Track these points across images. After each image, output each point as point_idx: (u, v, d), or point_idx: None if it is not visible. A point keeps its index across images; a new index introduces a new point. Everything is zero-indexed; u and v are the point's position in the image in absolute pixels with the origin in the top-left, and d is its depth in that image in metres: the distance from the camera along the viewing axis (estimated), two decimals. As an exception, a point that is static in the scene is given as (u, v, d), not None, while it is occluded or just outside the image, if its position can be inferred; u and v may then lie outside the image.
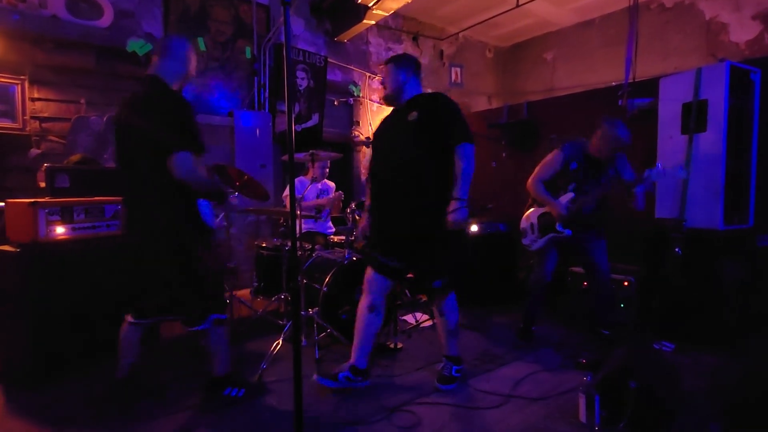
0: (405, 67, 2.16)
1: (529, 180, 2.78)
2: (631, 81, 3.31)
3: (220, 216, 2.14)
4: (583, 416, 1.82)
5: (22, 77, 3.12)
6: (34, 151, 3.24)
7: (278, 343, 2.45)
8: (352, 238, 2.83)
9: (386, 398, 2.10)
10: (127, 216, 2.00)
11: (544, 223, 2.73)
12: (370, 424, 1.89)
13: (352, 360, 2.18)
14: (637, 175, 2.48)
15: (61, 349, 2.27)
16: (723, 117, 2.65)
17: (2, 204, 2.53)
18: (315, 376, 2.15)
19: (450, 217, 2.01)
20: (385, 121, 2.30)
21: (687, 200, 2.79)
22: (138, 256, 1.97)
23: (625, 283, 3.01)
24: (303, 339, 2.65)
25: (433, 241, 2.09)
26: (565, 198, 2.64)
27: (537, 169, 2.78)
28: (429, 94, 2.26)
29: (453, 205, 2.02)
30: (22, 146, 3.20)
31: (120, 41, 3.48)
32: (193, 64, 2.01)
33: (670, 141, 2.90)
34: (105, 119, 3.50)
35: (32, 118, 3.21)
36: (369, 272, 2.21)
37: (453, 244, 2.15)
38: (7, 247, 2.22)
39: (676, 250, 2.72)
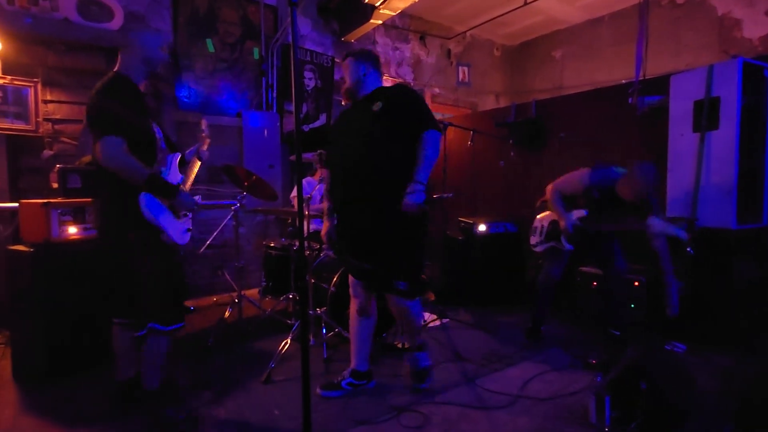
0: (364, 61, 2.12)
1: (550, 186, 2.72)
2: (641, 78, 3.27)
3: (186, 218, 1.95)
4: (593, 417, 1.80)
5: (35, 80, 3.17)
6: (47, 153, 3.29)
7: (287, 343, 2.46)
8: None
9: (394, 398, 2.10)
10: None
11: (552, 230, 2.73)
12: (377, 424, 1.89)
13: (352, 365, 2.19)
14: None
15: (73, 347, 2.30)
16: (736, 114, 2.60)
17: (16, 205, 2.58)
18: (318, 391, 2.13)
19: (407, 199, 1.88)
20: (345, 115, 2.22)
21: (699, 199, 2.75)
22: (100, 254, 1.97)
23: (636, 283, 2.97)
24: (311, 338, 2.67)
25: (397, 236, 2.00)
26: (577, 213, 2.59)
27: (561, 179, 2.70)
28: (391, 85, 2.24)
29: (411, 186, 1.90)
30: (35, 148, 3.25)
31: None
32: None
33: (682, 139, 2.86)
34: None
35: (45, 120, 3.26)
36: (350, 276, 2.20)
37: (417, 241, 2.06)
38: (21, 247, 2.26)
39: (688, 249, 2.68)
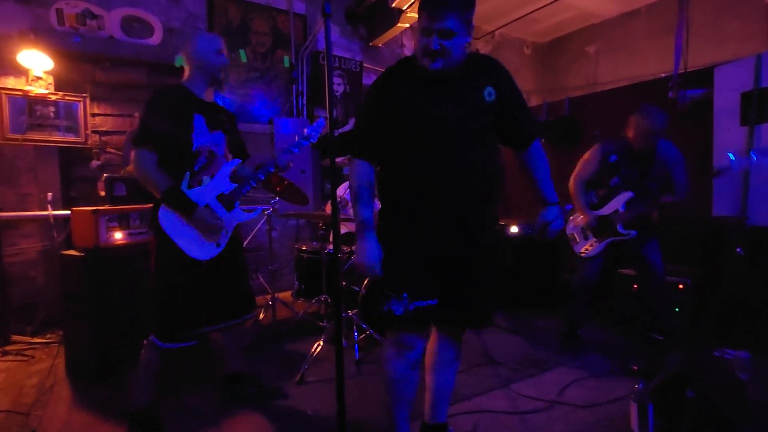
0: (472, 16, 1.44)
1: (571, 180, 2.68)
2: (682, 71, 3.12)
3: (222, 234, 1.87)
4: (635, 426, 1.73)
5: (84, 95, 3.37)
6: (95, 163, 3.50)
7: (319, 344, 2.50)
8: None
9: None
10: None
11: (601, 225, 2.59)
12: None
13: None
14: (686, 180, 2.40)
15: (121, 347, 2.41)
16: (789, 105, 2.45)
17: (69, 212, 2.75)
18: None
19: (553, 225, 1.52)
20: (426, 87, 1.42)
21: (749, 196, 2.59)
22: None
23: (681, 286, 2.83)
24: (343, 340, 2.69)
25: (496, 259, 1.59)
26: (622, 197, 2.52)
27: (577, 167, 2.68)
28: (488, 57, 1.57)
29: (552, 210, 1.54)
30: (84, 158, 3.47)
31: (169, 57, 3.69)
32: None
33: (728, 134, 2.71)
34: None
35: (93, 132, 3.47)
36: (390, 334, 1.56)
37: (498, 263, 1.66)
38: (73, 252, 2.41)
39: (738, 250, 2.53)
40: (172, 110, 1.80)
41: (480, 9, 5.96)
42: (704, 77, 2.92)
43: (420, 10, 1.37)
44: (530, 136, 1.59)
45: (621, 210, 2.53)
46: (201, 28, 3.98)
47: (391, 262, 1.46)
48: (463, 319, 1.57)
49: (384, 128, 1.44)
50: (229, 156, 2.04)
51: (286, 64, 4.44)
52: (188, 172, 1.81)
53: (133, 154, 1.77)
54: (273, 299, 3.16)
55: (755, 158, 2.27)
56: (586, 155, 2.67)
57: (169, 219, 1.76)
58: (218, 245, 1.87)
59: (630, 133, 2.52)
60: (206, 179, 1.87)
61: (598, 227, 2.61)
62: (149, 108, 1.77)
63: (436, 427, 1.66)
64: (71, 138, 3.34)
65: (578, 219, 2.75)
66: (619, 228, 2.53)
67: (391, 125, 1.43)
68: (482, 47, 5.95)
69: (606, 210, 2.60)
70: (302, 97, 4.54)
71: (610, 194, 2.59)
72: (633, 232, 2.52)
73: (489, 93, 1.45)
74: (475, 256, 1.50)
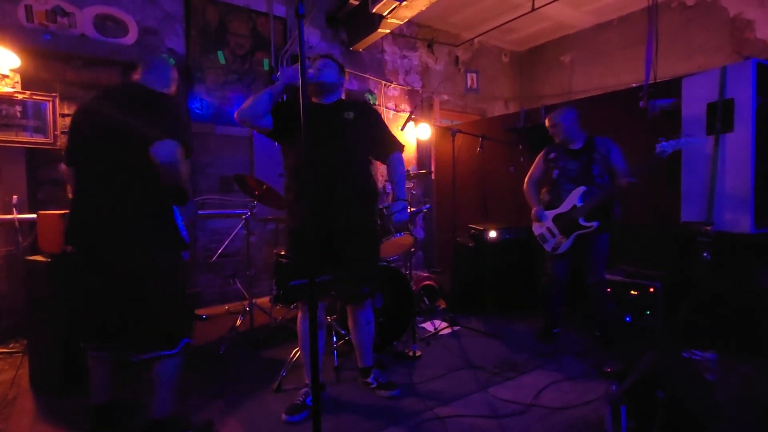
0: (342, 72, 2.19)
1: (524, 183, 3.01)
2: (652, 82, 3.23)
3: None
4: (609, 427, 1.76)
5: (53, 94, 3.26)
6: (64, 165, 3.37)
7: (297, 351, 2.46)
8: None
9: (406, 407, 2.08)
10: (89, 224, 1.71)
11: (564, 222, 2.72)
12: (389, 433, 1.87)
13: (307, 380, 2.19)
14: (628, 165, 2.61)
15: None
16: (751, 116, 2.56)
17: (34, 216, 2.64)
18: (284, 417, 1.99)
19: (396, 216, 2.12)
20: (310, 114, 1.99)
21: (714, 203, 2.70)
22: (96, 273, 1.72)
23: (651, 290, 2.92)
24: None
25: (368, 243, 2.14)
26: (578, 192, 2.68)
27: (528, 171, 3.02)
28: (355, 100, 2.36)
29: (397, 204, 2.13)
30: (53, 160, 3.34)
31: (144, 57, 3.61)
32: (174, 84, 1.97)
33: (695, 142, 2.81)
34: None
35: (62, 133, 3.34)
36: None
37: (377, 246, 2.24)
38: (38, 258, 2.31)
39: (705, 255, 2.63)
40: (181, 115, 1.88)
41: (460, 17, 6.03)
42: (673, 88, 3.04)
43: None
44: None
45: (578, 204, 2.67)
46: (178, 29, 3.91)
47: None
48: (345, 294, 2.18)
49: None
50: None
51: (266, 67, 4.40)
52: None
53: (158, 144, 1.60)
54: (250, 305, 3.10)
55: (684, 142, 2.38)
56: (535, 161, 3.00)
57: (178, 219, 1.78)
58: None
59: (551, 130, 2.85)
60: None
61: (561, 224, 2.75)
62: (176, 110, 1.79)
63: (364, 369, 2.31)
64: (39, 138, 3.22)
65: (537, 223, 2.88)
66: (581, 221, 2.65)
67: None
68: (462, 54, 6.04)
69: (564, 207, 2.73)
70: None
71: (555, 187, 2.80)
72: (595, 222, 2.64)
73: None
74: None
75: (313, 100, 2.15)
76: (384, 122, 2.25)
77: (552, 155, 2.85)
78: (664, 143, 2.39)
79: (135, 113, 1.66)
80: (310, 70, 2.07)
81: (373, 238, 2.19)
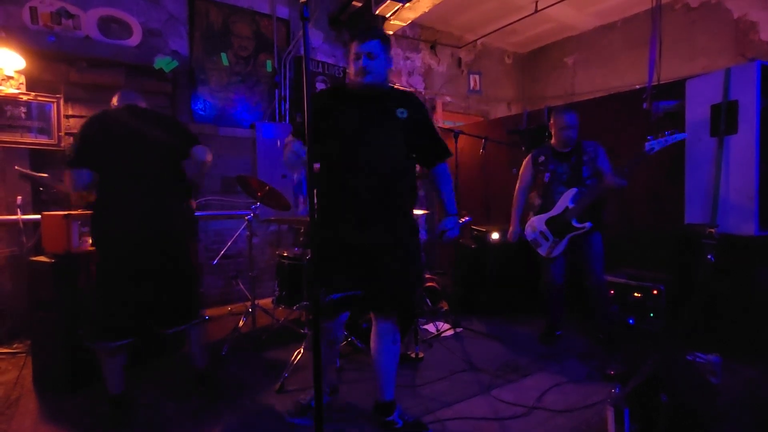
0: (390, 53, 1.81)
1: (514, 191, 2.98)
2: (655, 83, 3.22)
3: None
4: (612, 430, 1.75)
5: (57, 96, 3.27)
6: (75, 170, 3.38)
7: (300, 352, 2.47)
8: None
9: (408, 409, 2.08)
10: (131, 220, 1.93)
11: (557, 225, 2.72)
12: (391, 435, 1.87)
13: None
14: (614, 168, 2.59)
15: (91, 358, 2.33)
16: (755, 118, 2.54)
17: (39, 216, 2.65)
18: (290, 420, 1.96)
19: (448, 234, 1.89)
20: (347, 103, 1.78)
21: (718, 205, 2.69)
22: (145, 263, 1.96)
23: (654, 292, 2.91)
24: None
25: (410, 262, 1.84)
26: (569, 194, 2.68)
27: (517, 180, 2.98)
28: (405, 91, 1.96)
29: (449, 221, 1.90)
30: (57, 161, 3.35)
31: (148, 59, 3.62)
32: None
33: (699, 144, 2.80)
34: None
35: (67, 134, 3.36)
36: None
37: (420, 267, 1.99)
38: (42, 258, 2.32)
39: (709, 257, 2.61)
40: None
41: (463, 19, 6.04)
42: (676, 89, 3.03)
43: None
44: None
45: (570, 206, 2.67)
46: (181, 31, 3.92)
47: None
48: (377, 306, 1.84)
49: None
50: None
51: (269, 69, 4.42)
52: None
53: (197, 147, 2.13)
54: (253, 306, 3.11)
55: (671, 139, 2.39)
56: (522, 167, 2.96)
57: None
58: None
59: (553, 140, 2.81)
60: None
61: (553, 227, 2.74)
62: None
63: (383, 405, 1.90)
64: (43, 140, 3.24)
65: (534, 223, 2.85)
66: (574, 222, 2.65)
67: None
68: (465, 56, 6.05)
69: (556, 210, 2.74)
70: (285, 102, 4.51)
71: (547, 190, 2.78)
72: (588, 223, 2.64)
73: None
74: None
75: (353, 87, 1.80)
76: (433, 121, 1.99)
77: (541, 158, 2.83)
78: (652, 141, 2.40)
79: (163, 126, 2.09)
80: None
81: (416, 260, 1.89)
